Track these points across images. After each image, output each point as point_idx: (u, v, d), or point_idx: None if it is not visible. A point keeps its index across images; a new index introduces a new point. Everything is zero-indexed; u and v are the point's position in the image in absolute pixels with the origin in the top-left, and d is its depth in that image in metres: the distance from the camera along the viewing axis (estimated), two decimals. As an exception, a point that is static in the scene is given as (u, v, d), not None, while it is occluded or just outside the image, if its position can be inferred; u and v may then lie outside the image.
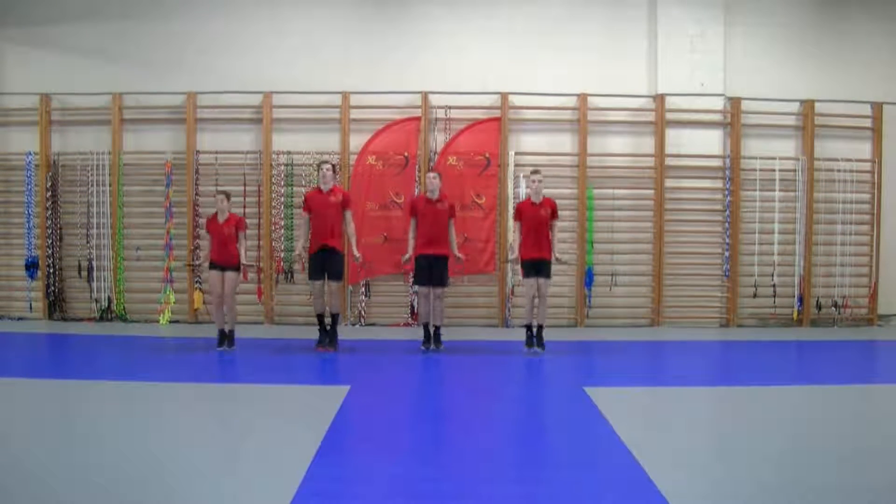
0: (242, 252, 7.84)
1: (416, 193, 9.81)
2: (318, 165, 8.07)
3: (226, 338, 7.81)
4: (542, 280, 7.63)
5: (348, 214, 7.88)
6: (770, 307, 10.22)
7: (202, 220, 9.85)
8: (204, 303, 9.86)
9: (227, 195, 7.94)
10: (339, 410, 5.21)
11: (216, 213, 7.86)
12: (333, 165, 8.09)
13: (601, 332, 9.60)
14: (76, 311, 10.19)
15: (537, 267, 7.64)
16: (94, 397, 5.72)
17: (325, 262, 7.74)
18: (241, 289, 8.53)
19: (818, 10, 10.44)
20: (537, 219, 7.68)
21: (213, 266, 7.79)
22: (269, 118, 9.97)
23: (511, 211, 9.83)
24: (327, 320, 7.95)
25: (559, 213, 8.02)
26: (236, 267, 7.80)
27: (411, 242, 7.96)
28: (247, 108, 10.09)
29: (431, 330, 7.96)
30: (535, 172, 7.93)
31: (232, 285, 7.77)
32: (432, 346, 7.91)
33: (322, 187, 7.81)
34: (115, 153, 10.00)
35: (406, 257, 8.02)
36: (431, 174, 8.05)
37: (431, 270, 7.84)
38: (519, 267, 8.09)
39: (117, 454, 4.17)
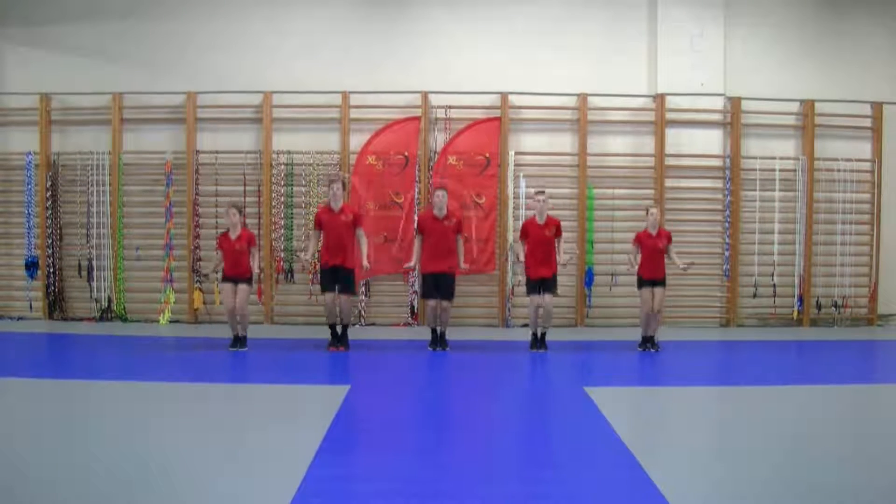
0: (255, 266, 7.97)
1: (415, 194, 9.83)
2: (329, 183, 7.99)
3: (239, 340, 7.90)
4: (548, 296, 7.87)
5: (360, 231, 7.98)
6: (770, 307, 10.22)
7: (202, 220, 9.89)
8: (203, 303, 9.89)
9: (239, 209, 7.99)
10: (339, 410, 5.21)
11: (228, 231, 7.92)
12: (343, 182, 8.07)
13: (601, 332, 9.60)
14: (76, 310, 10.18)
15: (544, 285, 7.85)
16: (94, 397, 5.72)
17: (337, 278, 7.87)
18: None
19: (818, 10, 10.44)
20: (542, 239, 7.87)
21: (225, 279, 7.91)
22: (269, 118, 9.97)
23: (511, 209, 9.88)
24: (338, 328, 8.04)
25: (563, 227, 8.17)
26: (248, 280, 7.92)
27: (416, 253, 8.13)
28: (247, 108, 10.09)
29: (439, 333, 8.09)
30: (539, 192, 8.04)
31: (244, 297, 7.87)
32: (439, 347, 8.05)
33: (332, 205, 7.86)
34: (114, 153, 10.00)
35: (410, 265, 8.35)
36: (439, 192, 8.06)
37: (439, 286, 7.96)
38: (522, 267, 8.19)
39: (117, 454, 4.17)
